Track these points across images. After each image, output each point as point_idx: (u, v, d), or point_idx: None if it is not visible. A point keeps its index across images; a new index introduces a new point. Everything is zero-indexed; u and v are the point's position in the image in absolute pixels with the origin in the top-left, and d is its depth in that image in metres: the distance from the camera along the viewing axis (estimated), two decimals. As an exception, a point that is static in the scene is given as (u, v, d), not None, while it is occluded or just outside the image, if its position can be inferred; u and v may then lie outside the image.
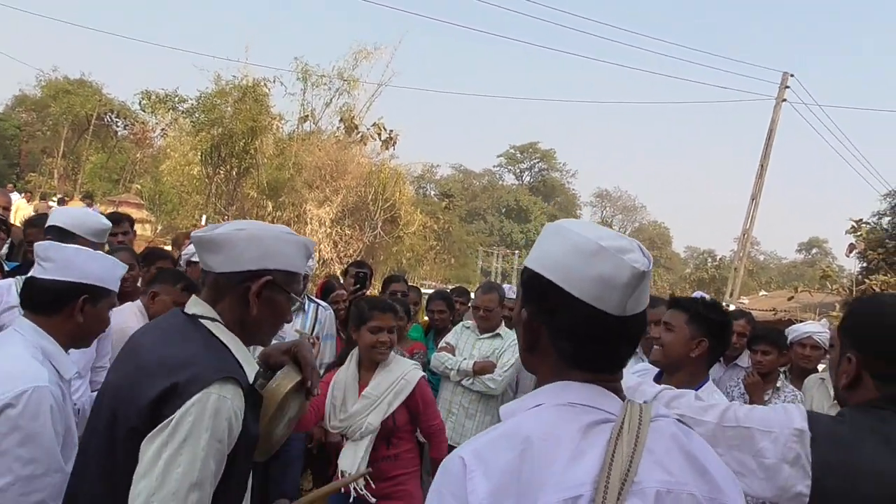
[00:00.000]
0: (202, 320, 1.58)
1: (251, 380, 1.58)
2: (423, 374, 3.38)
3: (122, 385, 1.50)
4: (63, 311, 2.01)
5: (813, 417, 1.49)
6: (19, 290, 2.77)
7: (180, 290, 3.24)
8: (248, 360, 1.60)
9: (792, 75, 20.59)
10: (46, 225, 2.93)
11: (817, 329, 4.42)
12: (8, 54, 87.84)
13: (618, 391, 1.10)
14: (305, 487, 3.66)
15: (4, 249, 4.93)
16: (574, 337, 1.08)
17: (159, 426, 1.39)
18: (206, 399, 1.41)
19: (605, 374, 1.11)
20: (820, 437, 1.44)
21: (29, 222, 4.34)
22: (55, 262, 2.01)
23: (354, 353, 3.36)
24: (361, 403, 3.19)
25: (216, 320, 1.58)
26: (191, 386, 1.41)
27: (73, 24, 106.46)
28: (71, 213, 2.97)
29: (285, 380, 1.72)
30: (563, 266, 1.08)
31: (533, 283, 1.12)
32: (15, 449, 1.71)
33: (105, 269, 2.08)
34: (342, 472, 3.19)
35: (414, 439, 3.41)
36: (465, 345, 4.53)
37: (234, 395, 1.46)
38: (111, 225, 3.06)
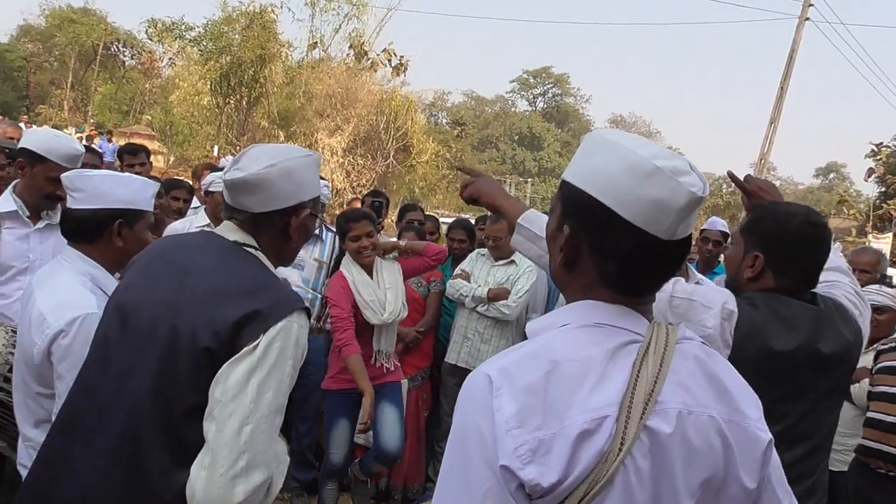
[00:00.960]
0: (247, 248, 1.60)
1: None
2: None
3: (182, 304, 1.48)
4: (102, 237, 2.05)
5: (738, 301, 1.82)
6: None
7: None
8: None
9: (816, -8, 19.82)
10: (18, 147, 2.87)
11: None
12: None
13: (647, 312, 1.09)
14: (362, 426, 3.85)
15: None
16: (619, 259, 1.05)
17: (244, 350, 1.41)
18: (290, 327, 1.45)
19: (642, 296, 1.10)
20: (742, 318, 1.79)
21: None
22: (85, 192, 2.01)
23: (349, 261, 3.73)
24: (392, 294, 3.73)
25: (258, 249, 1.61)
26: (275, 313, 1.44)
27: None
28: (41, 136, 2.86)
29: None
30: (613, 186, 1.02)
31: (576, 199, 1.07)
32: (69, 373, 1.77)
33: (135, 192, 2.10)
34: (378, 350, 3.73)
35: None
36: (479, 272, 4.57)
37: (307, 323, 1.52)
38: (84, 151, 3.00)
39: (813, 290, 1.97)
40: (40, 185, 2.79)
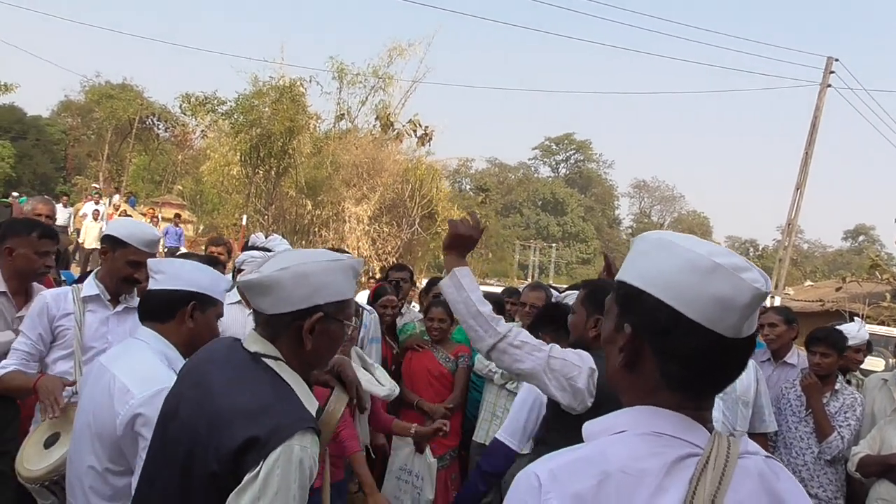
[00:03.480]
0: (265, 359, 1.59)
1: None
2: None
3: (197, 426, 1.52)
4: (175, 317, 2.16)
5: (595, 360, 2.28)
6: (77, 297, 2.99)
7: (37, 238, 3.24)
8: (309, 398, 1.60)
9: (836, 60, 19.99)
10: (103, 234, 3.15)
11: (854, 330, 4.31)
12: (53, 62, 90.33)
13: (706, 420, 1.05)
14: (352, 490, 3.67)
15: None
16: (684, 360, 1.01)
17: (246, 478, 1.42)
18: (290, 451, 1.43)
19: (705, 398, 1.06)
20: (599, 373, 2.24)
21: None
22: (165, 274, 2.19)
23: None
24: (380, 371, 3.38)
25: (278, 359, 1.59)
26: (273, 438, 1.43)
27: (114, 31, 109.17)
28: (124, 224, 3.16)
29: (337, 403, 1.74)
30: (674, 284, 1.01)
31: (636, 300, 1.05)
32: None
33: (211, 280, 2.23)
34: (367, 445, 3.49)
35: None
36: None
37: (312, 443, 1.48)
38: (161, 236, 3.30)
39: None
40: (120, 268, 2.99)
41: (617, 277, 1.11)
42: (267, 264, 1.61)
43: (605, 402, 2.13)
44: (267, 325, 1.62)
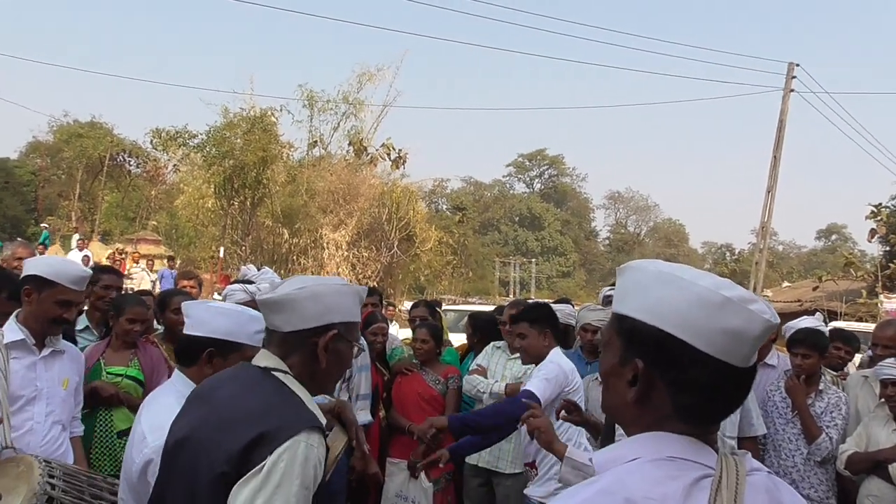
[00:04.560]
0: (275, 373, 1.64)
1: None
2: None
3: (204, 435, 1.56)
4: (196, 363, 2.17)
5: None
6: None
7: (6, 299, 3.14)
8: (318, 412, 1.64)
9: (798, 65, 20.48)
10: (23, 275, 2.88)
11: (813, 324, 4.36)
12: (19, 103, 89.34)
13: (713, 443, 1.08)
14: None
15: None
16: (697, 391, 1.04)
17: (251, 472, 1.45)
18: (295, 447, 1.47)
19: (713, 425, 1.09)
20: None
21: (108, 268, 4.59)
22: (190, 318, 2.19)
23: None
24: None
25: (287, 373, 1.65)
26: (280, 433, 1.47)
27: (80, 70, 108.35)
28: (49, 262, 2.93)
29: (336, 441, 1.77)
30: (686, 319, 1.03)
31: (645, 335, 1.07)
32: None
33: (234, 325, 2.17)
34: None
35: None
36: (496, 366, 4.49)
37: (318, 443, 1.53)
38: (91, 273, 3.09)
39: None
40: (48, 309, 2.80)
41: (616, 310, 1.13)
42: (283, 285, 1.69)
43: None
44: (281, 343, 1.68)
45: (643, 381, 1.07)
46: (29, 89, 77.62)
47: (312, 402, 1.65)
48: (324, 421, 1.63)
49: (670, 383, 1.06)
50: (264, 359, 1.68)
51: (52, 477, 2.27)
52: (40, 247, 18.37)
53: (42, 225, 24.87)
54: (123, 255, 19.65)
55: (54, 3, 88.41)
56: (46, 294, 2.79)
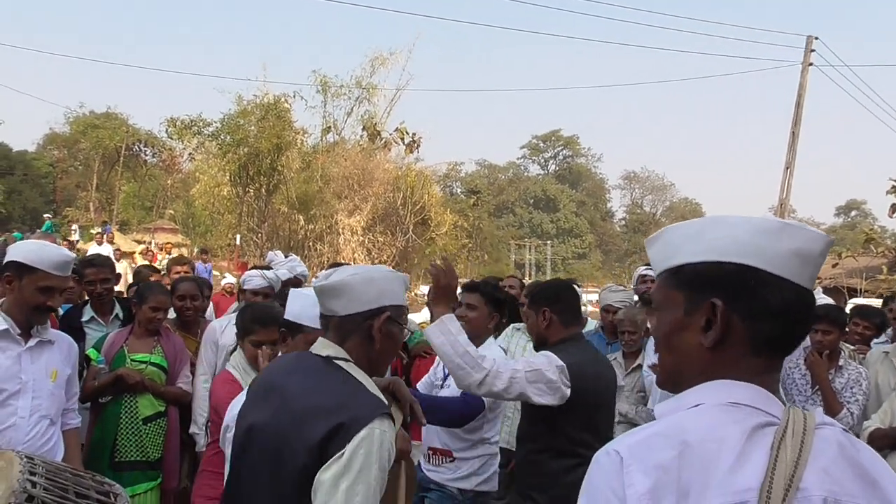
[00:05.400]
0: (336, 361, 1.74)
1: None
2: None
3: (281, 427, 1.66)
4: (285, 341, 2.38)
5: (559, 356, 2.63)
6: None
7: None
8: (380, 394, 1.74)
9: (816, 38, 20.15)
10: (5, 261, 2.76)
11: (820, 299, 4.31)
12: (36, 96, 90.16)
13: (777, 392, 1.08)
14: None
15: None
16: (773, 318, 1.04)
17: (333, 458, 1.55)
18: (371, 434, 1.57)
19: (779, 363, 1.10)
20: (568, 365, 2.60)
21: (89, 262, 4.41)
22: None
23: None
24: None
25: (348, 360, 1.75)
26: (356, 424, 1.57)
27: (95, 61, 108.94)
28: (29, 248, 2.78)
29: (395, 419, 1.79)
30: (753, 247, 1.05)
31: (713, 273, 1.06)
32: None
33: (301, 307, 2.33)
34: None
35: None
36: (516, 347, 4.50)
37: (389, 428, 1.63)
38: (73, 257, 2.95)
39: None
40: (30, 297, 2.67)
41: (668, 265, 1.12)
42: (336, 272, 1.79)
43: (578, 392, 2.62)
44: (338, 328, 1.79)
45: (722, 320, 1.05)
46: (46, 81, 78.29)
47: (374, 387, 1.74)
48: (384, 403, 1.71)
49: (748, 316, 1.05)
50: (324, 347, 1.78)
51: (33, 474, 2.14)
52: (49, 237, 18.19)
53: (45, 216, 24.95)
54: (156, 248, 19.61)
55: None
56: (27, 280, 2.66)
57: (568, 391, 2.60)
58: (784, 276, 1.04)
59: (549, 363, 2.60)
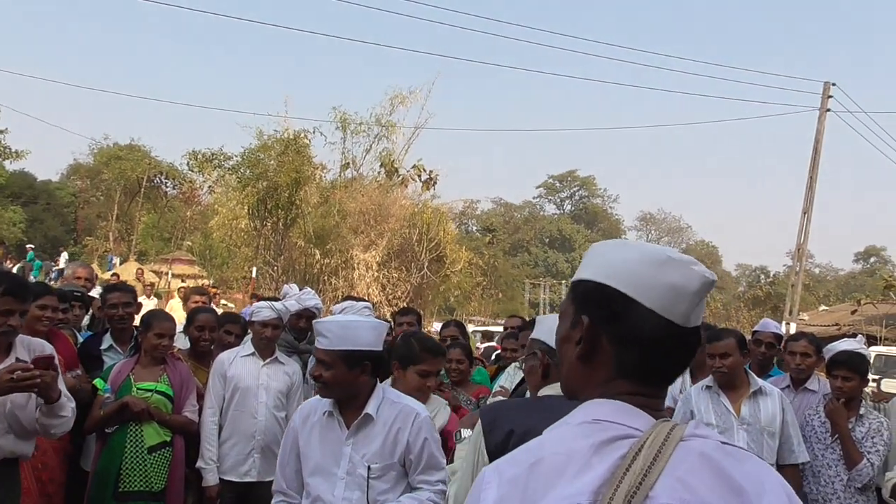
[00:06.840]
0: None
1: None
2: None
3: None
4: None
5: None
6: None
7: None
8: None
9: (834, 84, 20.18)
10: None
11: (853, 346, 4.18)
12: (64, 127, 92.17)
13: (657, 409, 1.09)
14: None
15: (85, 321, 5.07)
16: (639, 346, 1.07)
17: None
18: None
19: (657, 387, 1.11)
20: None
21: (113, 287, 4.49)
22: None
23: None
24: None
25: None
26: None
27: (119, 94, 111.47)
28: None
29: None
30: (632, 275, 1.09)
31: (594, 293, 1.11)
32: None
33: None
34: None
35: None
36: (511, 385, 4.45)
37: None
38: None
39: None
40: None
41: (574, 279, 1.18)
42: None
43: None
44: None
45: (588, 337, 1.10)
46: (70, 113, 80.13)
47: None
48: None
49: (614, 339, 1.09)
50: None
51: None
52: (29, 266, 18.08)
53: (28, 246, 25.17)
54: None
55: (96, 28, 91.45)
56: None
57: None
58: (653, 309, 1.06)
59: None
